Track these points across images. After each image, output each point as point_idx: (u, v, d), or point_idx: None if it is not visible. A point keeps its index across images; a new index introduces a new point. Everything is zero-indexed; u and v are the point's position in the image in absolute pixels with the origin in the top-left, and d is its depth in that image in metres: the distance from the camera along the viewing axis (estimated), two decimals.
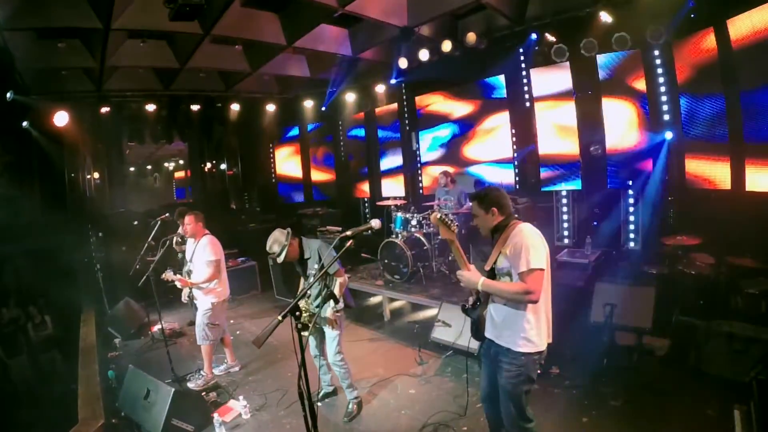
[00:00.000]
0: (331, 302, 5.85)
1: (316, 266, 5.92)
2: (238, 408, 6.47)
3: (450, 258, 10.34)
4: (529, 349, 4.07)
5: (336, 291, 5.88)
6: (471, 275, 4.14)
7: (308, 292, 5.95)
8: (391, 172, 14.80)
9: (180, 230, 7.98)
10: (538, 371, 4.24)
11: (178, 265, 8.16)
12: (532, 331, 4.05)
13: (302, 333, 3.64)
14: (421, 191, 13.92)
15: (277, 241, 5.91)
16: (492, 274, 4.17)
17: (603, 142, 9.56)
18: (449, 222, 4.14)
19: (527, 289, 3.88)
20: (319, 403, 6.54)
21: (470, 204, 8.91)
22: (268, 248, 5.98)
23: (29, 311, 9.75)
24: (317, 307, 5.92)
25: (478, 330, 4.50)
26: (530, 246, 3.92)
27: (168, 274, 7.19)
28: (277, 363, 8.07)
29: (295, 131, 17.61)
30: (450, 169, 11.29)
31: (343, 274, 6.02)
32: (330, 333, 6.11)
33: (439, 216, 4.15)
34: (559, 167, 10.32)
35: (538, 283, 3.91)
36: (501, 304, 4.18)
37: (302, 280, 6.46)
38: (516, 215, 4.27)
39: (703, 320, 6.52)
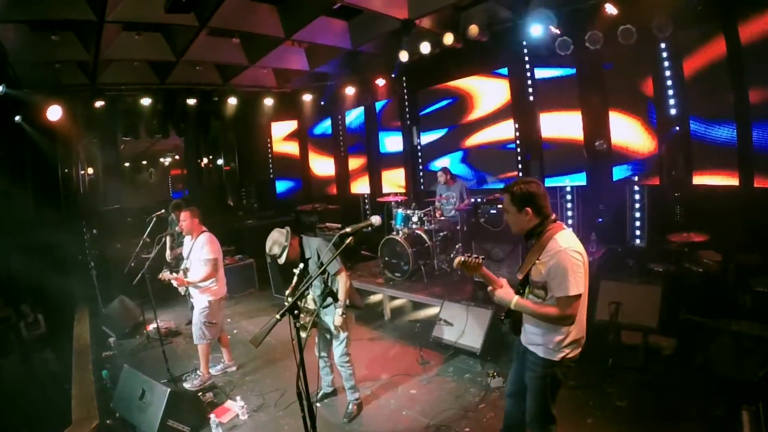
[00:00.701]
0: (337, 304, 5.82)
1: (315, 266, 5.89)
2: (236, 409, 6.47)
3: (452, 255, 10.34)
4: (560, 357, 3.96)
5: (340, 293, 5.84)
6: (503, 294, 4.00)
7: (306, 291, 5.88)
8: (392, 167, 14.81)
9: (176, 228, 7.97)
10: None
11: (171, 265, 8.16)
12: (565, 341, 3.93)
13: (301, 334, 3.63)
14: (422, 187, 13.92)
15: (277, 243, 5.84)
16: (525, 282, 4.04)
17: (608, 137, 9.56)
18: (472, 261, 4.04)
19: (564, 315, 3.74)
20: (318, 404, 6.53)
21: (473, 200, 8.94)
22: (267, 250, 5.91)
23: (22, 309, 9.72)
24: (323, 307, 5.90)
25: (516, 330, 4.33)
26: (570, 269, 3.70)
27: (164, 274, 7.17)
28: (275, 362, 8.06)
29: (293, 125, 17.63)
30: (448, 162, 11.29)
31: (343, 273, 5.94)
32: (338, 335, 6.08)
33: (462, 260, 4.07)
34: (564, 163, 10.31)
35: (575, 309, 3.76)
36: None
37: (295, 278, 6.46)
38: (554, 216, 4.00)
39: (711, 319, 6.49)
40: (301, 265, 5.86)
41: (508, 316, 4.27)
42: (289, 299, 5.53)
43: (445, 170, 11.09)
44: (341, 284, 5.88)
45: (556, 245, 3.80)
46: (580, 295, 3.74)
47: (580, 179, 10.22)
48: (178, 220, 8.58)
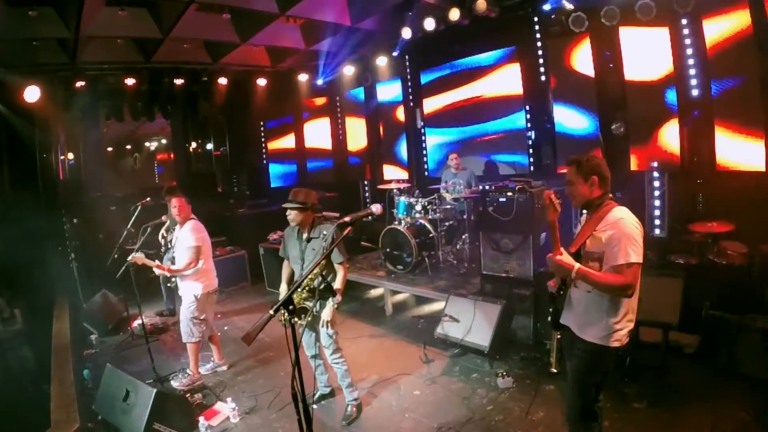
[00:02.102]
0: (330, 299, 5.79)
1: (314, 250, 5.88)
2: (226, 411, 6.44)
3: (458, 246, 10.30)
4: (610, 343, 4.04)
5: (338, 284, 5.86)
6: (567, 259, 4.03)
7: (304, 282, 5.83)
8: (394, 152, 14.74)
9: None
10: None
11: (159, 255, 8.13)
12: (618, 325, 4.03)
13: (298, 321, 3.60)
14: (426, 173, 13.86)
15: (303, 196, 5.97)
16: (577, 256, 4.11)
17: (625, 120, 9.49)
18: (557, 203, 4.13)
19: (626, 283, 3.82)
20: (314, 406, 6.52)
21: (481, 187, 8.89)
22: (291, 196, 5.96)
23: None
24: (314, 301, 5.85)
25: (557, 318, 4.45)
26: (633, 237, 3.87)
27: (137, 256, 7.12)
28: (268, 361, 8.05)
29: (288, 107, 17.55)
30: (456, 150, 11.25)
31: (346, 266, 5.98)
32: (325, 331, 6.04)
33: (552, 196, 4.13)
34: (578, 147, 10.24)
35: (637, 277, 3.87)
36: (585, 292, 4.14)
37: (285, 265, 6.42)
38: (611, 194, 4.21)
39: (736, 315, 6.47)
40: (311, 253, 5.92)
41: (560, 293, 4.35)
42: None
43: (457, 155, 11.05)
44: (341, 276, 5.89)
45: (617, 214, 4.00)
46: (640, 264, 3.86)
47: None
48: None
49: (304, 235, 6.04)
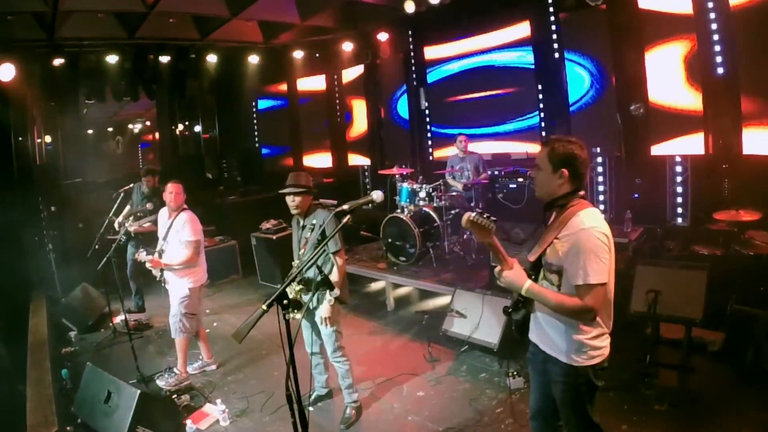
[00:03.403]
0: (327, 294, 5.75)
1: (306, 238, 5.86)
2: (215, 413, 6.43)
3: (465, 236, 10.28)
4: (586, 361, 3.72)
5: (334, 276, 5.81)
6: (514, 276, 3.73)
7: (301, 273, 5.79)
8: (396, 135, 14.74)
9: (141, 195, 7.92)
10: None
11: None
12: (593, 340, 3.70)
13: (294, 316, 3.55)
14: (431, 158, 13.84)
15: (305, 180, 5.97)
16: (537, 266, 3.86)
17: (645, 99, 9.45)
18: (484, 222, 3.63)
19: (584, 308, 3.51)
20: (310, 408, 6.50)
21: (490, 172, 8.85)
22: (292, 180, 5.94)
23: None
24: (310, 293, 5.82)
25: (523, 331, 4.14)
26: (593, 253, 3.49)
27: (141, 254, 7.13)
28: (260, 360, 8.06)
29: (282, 86, 17.53)
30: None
31: (344, 257, 5.97)
32: (326, 329, 6.02)
33: (471, 217, 3.64)
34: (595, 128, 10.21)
35: (598, 300, 3.53)
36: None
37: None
38: (582, 192, 3.77)
39: (764, 310, 6.45)
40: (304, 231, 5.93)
41: (517, 307, 4.02)
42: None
43: (465, 137, 11.01)
44: (337, 267, 5.87)
45: (580, 223, 3.58)
46: (603, 285, 3.53)
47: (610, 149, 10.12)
48: (150, 186, 8.56)
49: (301, 222, 6.04)
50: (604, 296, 3.60)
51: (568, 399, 3.89)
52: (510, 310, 4.05)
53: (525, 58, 11.40)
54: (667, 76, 9.22)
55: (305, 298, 5.73)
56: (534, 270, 3.87)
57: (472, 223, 3.62)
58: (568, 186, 3.69)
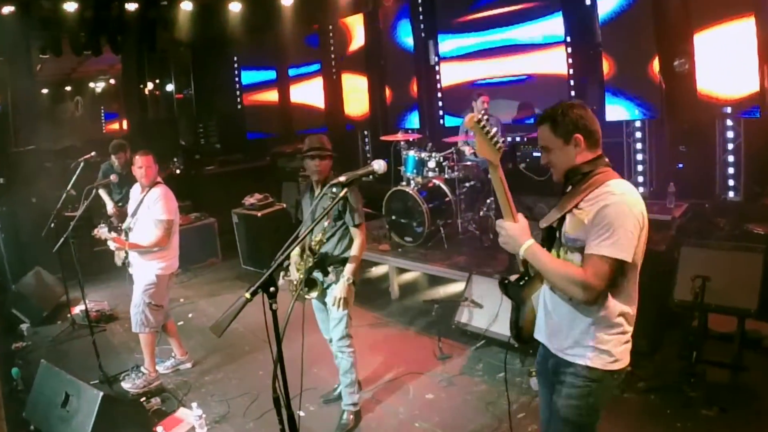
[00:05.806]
0: (347, 270, 5.84)
1: (324, 208, 5.83)
2: (191, 419, 6.38)
3: (482, 213, 10.23)
4: (604, 365, 3.49)
5: (355, 250, 5.96)
6: (518, 231, 3.50)
7: (307, 242, 5.85)
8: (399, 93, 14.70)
9: (112, 176, 7.88)
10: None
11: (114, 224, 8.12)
12: (610, 339, 3.46)
13: (308, 295, 3.51)
14: (441, 121, 13.78)
15: (328, 142, 6.09)
16: (550, 236, 3.66)
17: (691, 53, 9.38)
18: (492, 135, 3.36)
19: (584, 281, 3.22)
20: (301, 412, 6.45)
21: (510, 139, 8.77)
22: (315, 143, 6.03)
23: None
24: (323, 273, 5.93)
25: (520, 326, 3.96)
26: (619, 221, 3.21)
27: (101, 231, 7.05)
28: (243, 358, 8.08)
29: (269, 38, 17.48)
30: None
31: (365, 231, 6.06)
32: (337, 312, 6.00)
33: (477, 119, 3.34)
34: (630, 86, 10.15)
35: (603, 278, 3.21)
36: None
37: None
38: (607, 160, 3.54)
39: None
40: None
41: (520, 282, 3.80)
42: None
43: (488, 96, 10.89)
44: (359, 243, 6.01)
45: (608, 190, 3.34)
46: (619, 264, 3.24)
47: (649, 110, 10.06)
48: (121, 165, 8.51)
49: (316, 192, 6.13)
50: (611, 277, 3.27)
51: (572, 413, 3.69)
52: (508, 283, 3.85)
53: None
54: None
55: (318, 276, 5.81)
56: (547, 242, 3.67)
57: (478, 125, 3.35)
58: (587, 152, 3.49)
